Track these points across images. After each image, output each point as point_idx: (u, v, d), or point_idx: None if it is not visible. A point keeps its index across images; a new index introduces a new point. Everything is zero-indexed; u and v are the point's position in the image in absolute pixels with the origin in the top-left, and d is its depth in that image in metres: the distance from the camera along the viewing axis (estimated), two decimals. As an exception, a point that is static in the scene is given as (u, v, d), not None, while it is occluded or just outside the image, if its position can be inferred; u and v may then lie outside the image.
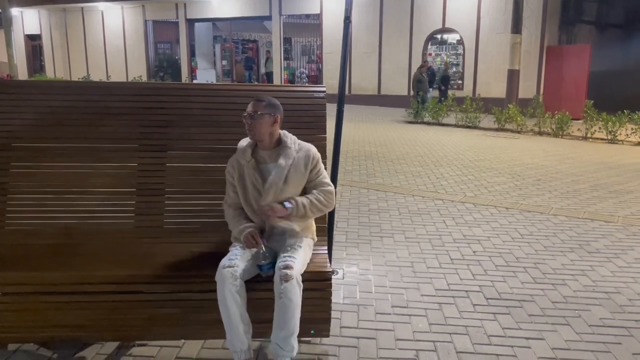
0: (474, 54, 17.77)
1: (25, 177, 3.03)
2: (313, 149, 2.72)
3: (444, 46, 19.07)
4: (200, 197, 3.06)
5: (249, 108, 2.66)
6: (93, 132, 3.06)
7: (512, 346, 2.86)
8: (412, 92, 16.21)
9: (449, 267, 4.01)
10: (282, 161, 2.63)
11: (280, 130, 2.73)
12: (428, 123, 14.47)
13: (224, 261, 2.45)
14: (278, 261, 2.46)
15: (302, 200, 2.64)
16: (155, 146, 3.06)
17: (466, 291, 3.57)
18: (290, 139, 2.72)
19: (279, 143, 2.71)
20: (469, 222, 5.19)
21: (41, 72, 27.41)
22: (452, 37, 18.74)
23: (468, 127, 13.74)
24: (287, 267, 2.37)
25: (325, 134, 3.10)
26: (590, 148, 10.64)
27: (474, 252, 4.36)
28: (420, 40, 18.80)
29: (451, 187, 6.74)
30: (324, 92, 3.22)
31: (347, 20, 3.42)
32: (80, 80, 22.72)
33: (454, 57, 18.77)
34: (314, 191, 2.69)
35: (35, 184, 3.03)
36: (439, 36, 18.99)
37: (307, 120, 3.11)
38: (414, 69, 18.72)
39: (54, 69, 26.98)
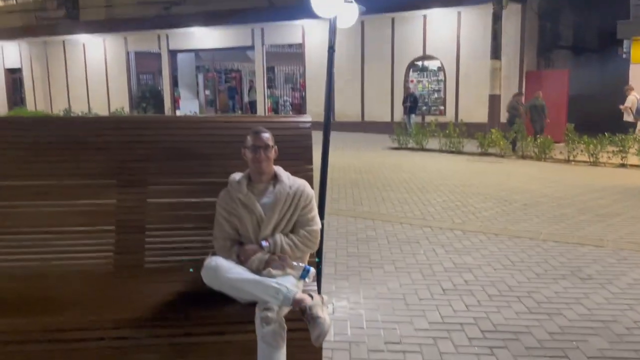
0: (455, 80, 17.99)
1: (-2, 218, 2.88)
2: (307, 187, 2.73)
3: (425, 73, 19.29)
4: (183, 233, 2.94)
5: (259, 141, 2.65)
6: (69, 168, 2.94)
7: (511, 382, 2.75)
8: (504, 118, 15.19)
9: (441, 298, 3.91)
10: (277, 196, 2.62)
11: (274, 166, 2.74)
12: (412, 149, 14.50)
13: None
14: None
15: (283, 241, 2.58)
16: (134, 182, 2.95)
17: (460, 324, 3.46)
18: (285, 174, 2.73)
19: (274, 177, 2.71)
20: (459, 250, 5.11)
21: (21, 105, 27.09)
22: (432, 64, 18.97)
23: (452, 152, 13.79)
24: (268, 308, 2.26)
25: (312, 164, 3.02)
26: (573, 171, 10.72)
27: (465, 281, 4.26)
28: (401, 67, 19.00)
29: (439, 213, 6.68)
30: (309, 122, 3.16)
31: (331, 49, 3.40)
32: (58, 114, 22.55)
33: (435, 83, 18.98)
34: (301, 231, 2.64)
35: (8, 223, 2.88)
36: (420, 63, 19.23)
37: (293, 151, 3.03)
38: (397, 96, 18.90)
39: (35, 102, 26.71)
